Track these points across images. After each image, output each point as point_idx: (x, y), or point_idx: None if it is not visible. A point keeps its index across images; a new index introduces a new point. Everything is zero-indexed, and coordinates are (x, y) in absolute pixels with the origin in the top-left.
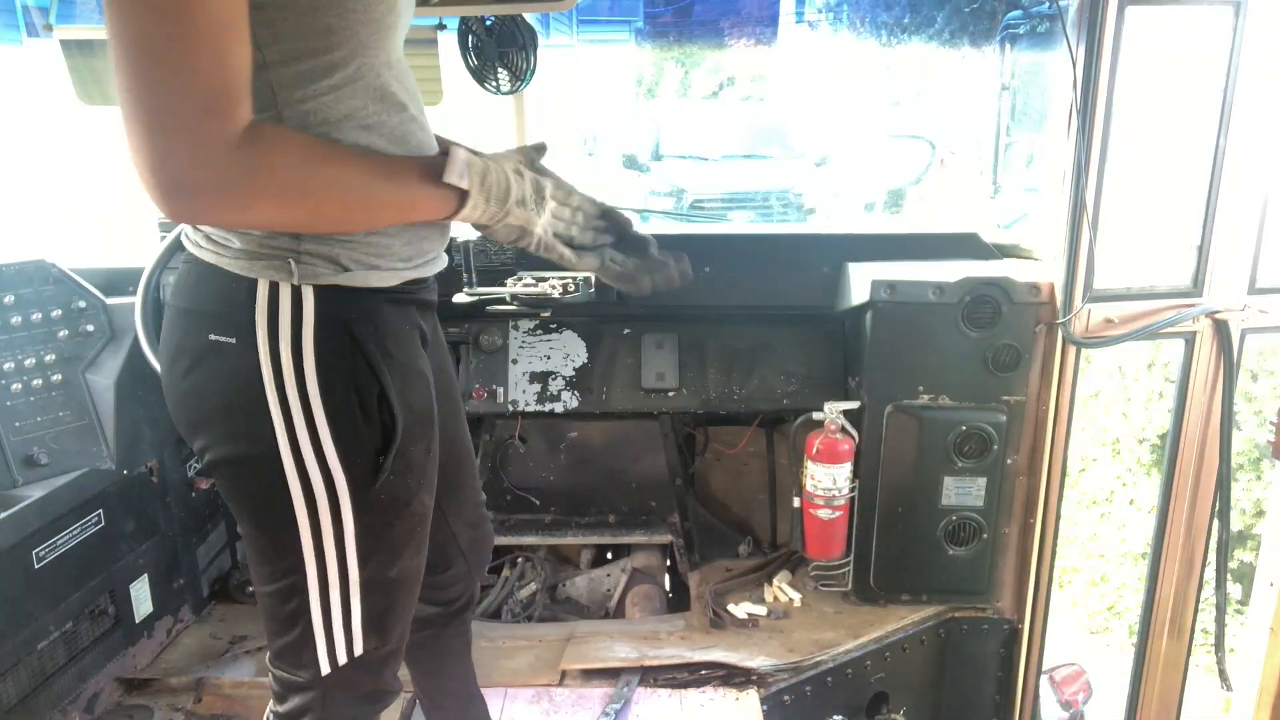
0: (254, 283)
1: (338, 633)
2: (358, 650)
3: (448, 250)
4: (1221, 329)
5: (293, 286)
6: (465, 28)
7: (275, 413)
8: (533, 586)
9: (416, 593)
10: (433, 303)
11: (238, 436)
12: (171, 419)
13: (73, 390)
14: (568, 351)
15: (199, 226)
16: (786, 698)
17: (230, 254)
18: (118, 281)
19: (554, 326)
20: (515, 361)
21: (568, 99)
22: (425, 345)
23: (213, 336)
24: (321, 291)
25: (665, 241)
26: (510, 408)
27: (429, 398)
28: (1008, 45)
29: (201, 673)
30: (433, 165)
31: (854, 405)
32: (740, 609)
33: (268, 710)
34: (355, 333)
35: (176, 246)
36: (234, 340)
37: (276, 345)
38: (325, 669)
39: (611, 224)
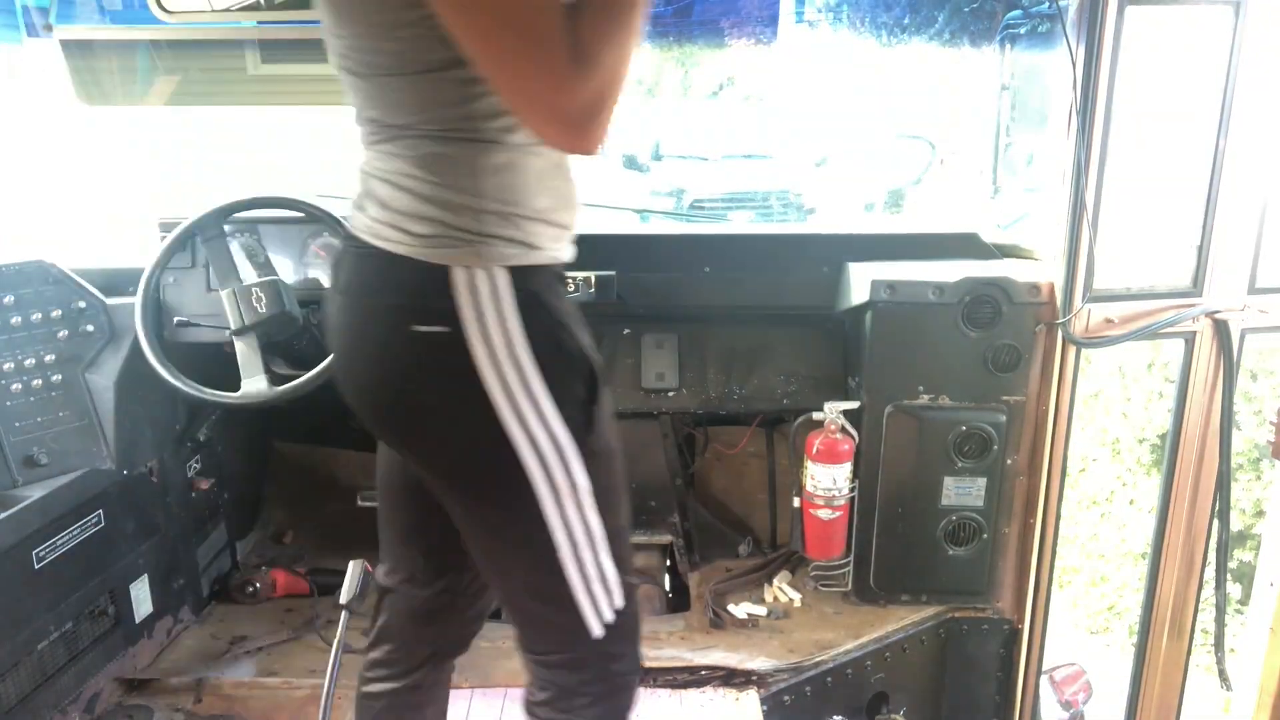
0: (447, 270)
1: (599, 593)
2: (618, 602)
3: None
4: (1221, 329)
5: (483, 270)
6: None
7: (495, 391)
8: None
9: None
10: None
11: (463, 425)
12: (371, 419)
13: (73, 390)
14: None
15: (375, 217)
16: (786, 698)
17: (419, 242)
18: (118, 281)
19: None
20: None
21: None
22: None
23: (417, 328)
24: (511, 270)
25: (666, 241)
26: None
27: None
28: (1008, 45)
29: (201, 673)
30: None
31: (854, 405)
32: (740, 609)
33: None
34: (545, 300)
35: (177, 247)
36: (446, 329)
37: (485, 326)
38: (597, 632)
39: None
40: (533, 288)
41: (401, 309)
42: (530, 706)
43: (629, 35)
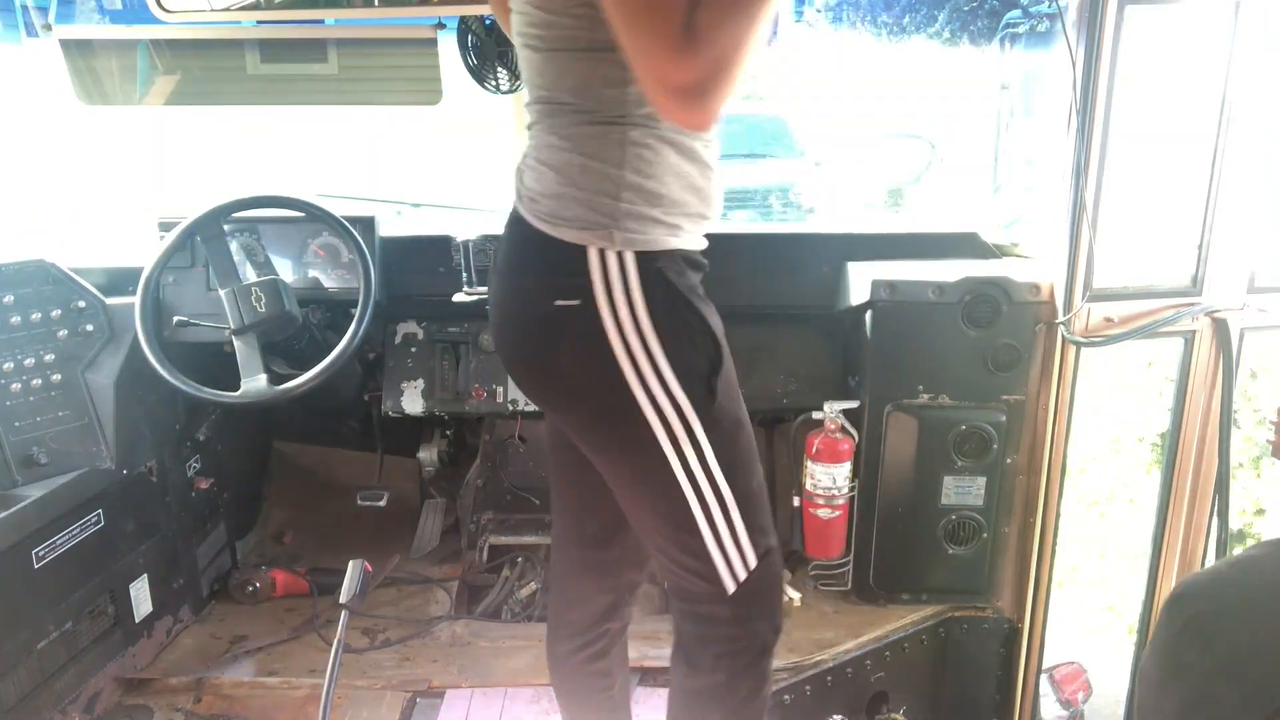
0: (584, 250)
1: (731, 551)
2: (750, 562)
3: (450, 249)
4: (1221, 328)
5: (616, 252)
6: (465, 27)
7: (623, 359)
8: (533, 586)
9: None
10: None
11: (595, 388)
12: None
13: (72, 390)
14: None
15: (536, 200)
16: (786, 697)
17: (561, 223)
18: (118, 281)
19: None
20: None
21: None
22: None
23: (558, 302)
24: (638, 255)
25: None
26: (510, 407)
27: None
28: (1007, 45)
29: (201, 673)
30: None
31: (854, 405)
32: None
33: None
34: (669, 279)
35: (177, 246)
36: (578, 302)
37: (614, 301)
38: (730, 588)
39: None
40: (659, 266)
41: (546, 286)
42: (673, 657)
43: (745, 23)
